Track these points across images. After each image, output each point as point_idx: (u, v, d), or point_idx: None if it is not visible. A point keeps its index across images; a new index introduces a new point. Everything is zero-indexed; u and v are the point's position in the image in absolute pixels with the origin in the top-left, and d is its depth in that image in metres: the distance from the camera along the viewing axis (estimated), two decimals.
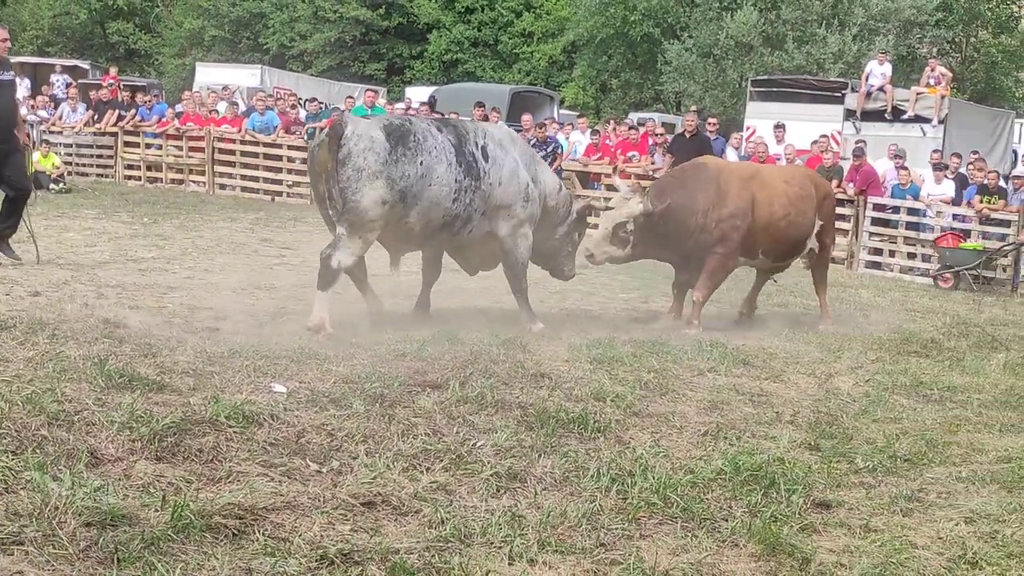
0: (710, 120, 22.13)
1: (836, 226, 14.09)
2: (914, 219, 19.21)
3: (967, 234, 18.51)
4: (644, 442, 6.59)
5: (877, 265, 19.59)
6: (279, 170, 24.06)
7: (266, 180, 24.24)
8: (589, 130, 23.64)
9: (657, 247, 11.05)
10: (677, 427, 7.10)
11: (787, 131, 21.80)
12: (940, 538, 5.35)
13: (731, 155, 20.58)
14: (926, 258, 19.02)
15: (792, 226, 11.45)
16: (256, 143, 24.19)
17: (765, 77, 28.66)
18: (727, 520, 5.29)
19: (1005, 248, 17.87)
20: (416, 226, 9.66)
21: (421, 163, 9.45)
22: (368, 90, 28.11)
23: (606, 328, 10.43)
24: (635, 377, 8.29)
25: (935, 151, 21.33)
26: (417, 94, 31.85)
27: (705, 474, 5.95)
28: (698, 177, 11.21)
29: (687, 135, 19.98)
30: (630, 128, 23.33)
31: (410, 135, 9.51)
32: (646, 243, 10.89)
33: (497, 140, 10.25)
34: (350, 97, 28.27)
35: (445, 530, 4.80)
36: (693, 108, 26.26)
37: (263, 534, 4.58)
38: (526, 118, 22.96)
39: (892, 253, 19.57)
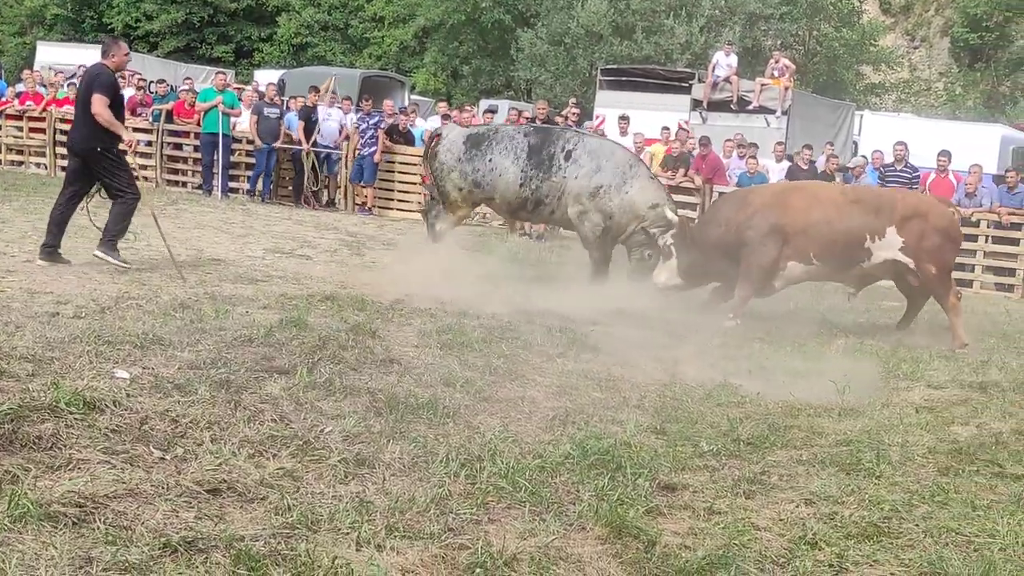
0: (573, 109, 22.43)
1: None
2: None
3: None
4: (493, 427, 6.60)
5: None
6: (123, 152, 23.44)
7: None
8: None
9: None
10: (526, 412, 7.13)
11: (633, 121, 22.04)
12: (781, 520, 5.46)
13: None
14: None
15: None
16: None
17: (614, 66, 28.94)
18: (575, 504, 5.33)
19: None
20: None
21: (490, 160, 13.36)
22: (218, 72, 27.63)
23: (456, 314, 10.42)
24: (485, 362, 8.31)
25: (779, 142, 21.75)
26: (265, 77, 31.40)
27: (553, 458, 5.98)
28: None
29: (538, 122, 20.16)
30: (488, 112, 23.39)
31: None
32: None
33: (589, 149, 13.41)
34: (188, 78, 27.74)
35: (292, 517, 4.74)
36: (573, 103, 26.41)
37: (104, 522, 4.47)
38: (388, 103, 23.02)
39: None
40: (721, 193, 19.35)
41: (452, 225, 13.70)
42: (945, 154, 19.03)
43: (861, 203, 12.02)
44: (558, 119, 21.27)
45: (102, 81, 11.44)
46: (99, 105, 11.32)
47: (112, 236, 11.55)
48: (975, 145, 22.96)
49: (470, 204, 13.69)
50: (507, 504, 5.27)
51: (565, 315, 10.74)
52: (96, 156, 11.50)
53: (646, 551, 4.85)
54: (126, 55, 11.98)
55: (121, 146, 11.86)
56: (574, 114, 22.13)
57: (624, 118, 21.98)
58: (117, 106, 11.65)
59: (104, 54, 11.84)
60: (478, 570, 4.46)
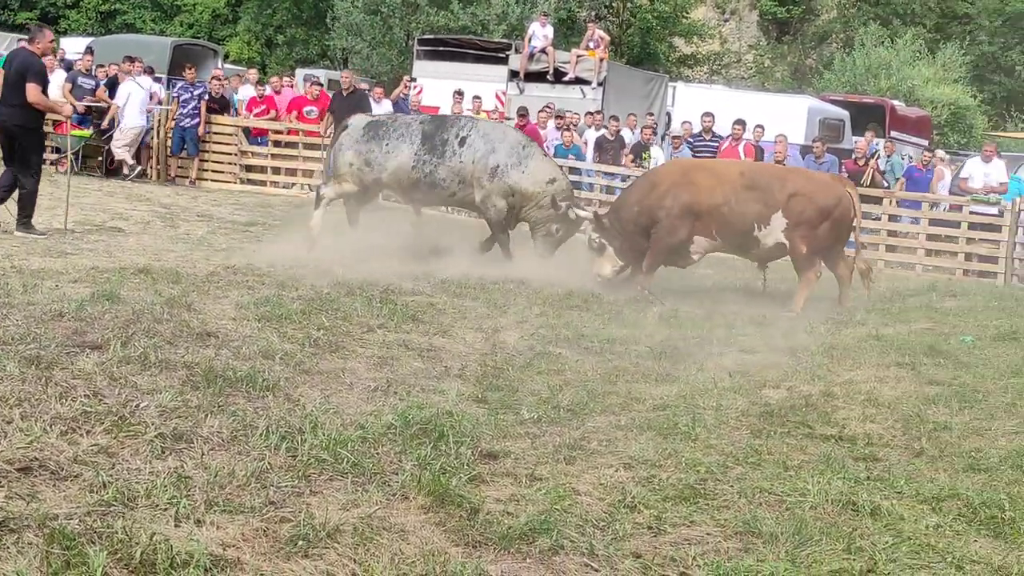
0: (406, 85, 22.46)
1: None
2: (576, 179, 19.75)
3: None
4: (314, 399, 6.55)
5: None
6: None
7: None
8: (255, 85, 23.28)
9: None
10: (347, 383, 7.09)
11: (451, 91, 22.10)
12: (601, 484, 5.54)
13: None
14: None
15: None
16: None
17: (431, 36, 28.85)
18: (397, 474, 5.32)
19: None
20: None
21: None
22: (20, 40, 26.65)
23: (274, 285, 10.29)
24: (304, 334, 8.23)
25: (591, 112, 21.99)
26: (72, 45, 30.37)
27: (375, 429, 5.96)
28: None
29: (344, 93, 20.09)
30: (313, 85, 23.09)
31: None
32: None
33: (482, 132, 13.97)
34: None
35: (107, 494, 4.62)
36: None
37: None
38: (218, 72, 22.63)
39: None
40: None
41: (335, 194, 14.23)
42: (740, 123, 19.55)
43: (757, 190, 12.50)
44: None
45: (35, 70, 12.74)
46: (35, 94, 12.65)
47: (27, 215, 12.82)
48: (784, 116, 23.59)
49: (357, 181, 14.12)
50: (329, 476, 5.24)
51: (387, 286, 10.70)
52: (25, 132, 12.91)
53: (469, 519, 4.87)
54: (51, 41, 13.62)
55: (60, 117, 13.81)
56: (408, 87, 22.06)
57: (459, 92, 22.00)
58: (44, 88, 13.07)
59: (31, 41, 13.16)
60: (300, 542, 4.43)
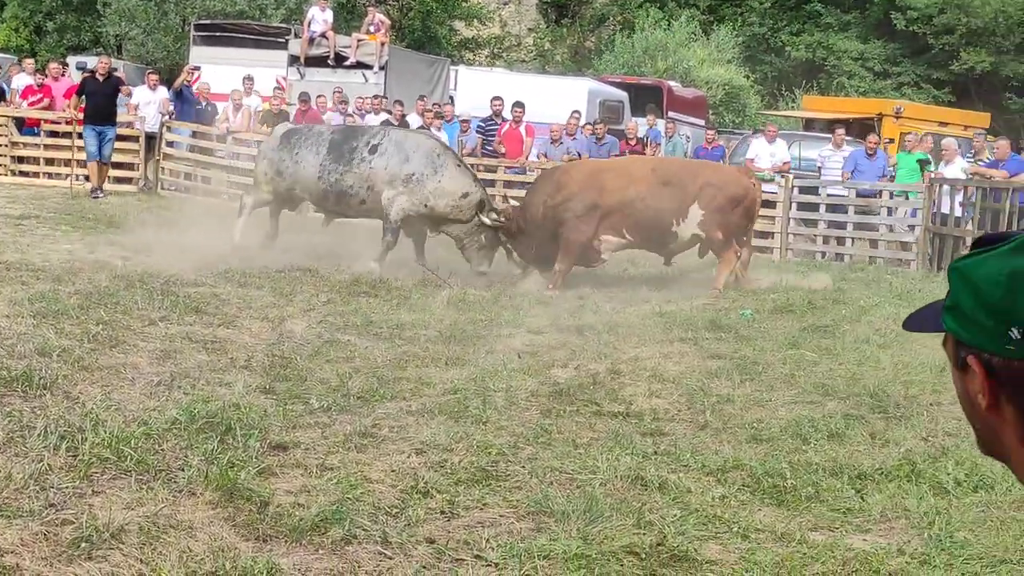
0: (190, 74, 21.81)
1: None
2: None
3: None
4: (95, 396, 6.36)
5: None
6: None
7: None
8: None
9: None
10: (129, 379, 6.91)
11: (230, 77, 21.71)
12: (394, 471, 5.53)
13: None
14: None
15: None
16: None
17: (208, 21, 28.27)
18: (183, 469, 5.20)
19: None
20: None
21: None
22: None
23: (49, 280, 9.95)
24: (83, 330, 7.98)
25: (374, 96, 21.90)
26: None
27: (159, 425, 5.82)
28: None
29: (100, 77, 19.51)
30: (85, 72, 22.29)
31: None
32: None
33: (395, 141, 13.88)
34: None
35: None
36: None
37: None
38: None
39: None
40: None
41: (254, 202, 14.50)
42: (520, 105, 19.84)
43: (670, 185, 12.79)
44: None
45: None
46: None
47: None
48: (564, 98, 23.86)
49: (272, 189, 14.33)
50: (112, 475, 5.09)
51: (168, 277, 10.46)
52: None
53: (259, 512, 4.80)
54: None
55: None
56: (190, 74, 21.55)
57: (249, 78, 21.61)
58: None
59: None
60: (83, 544, 4.30)
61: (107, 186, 19.34)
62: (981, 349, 1.56)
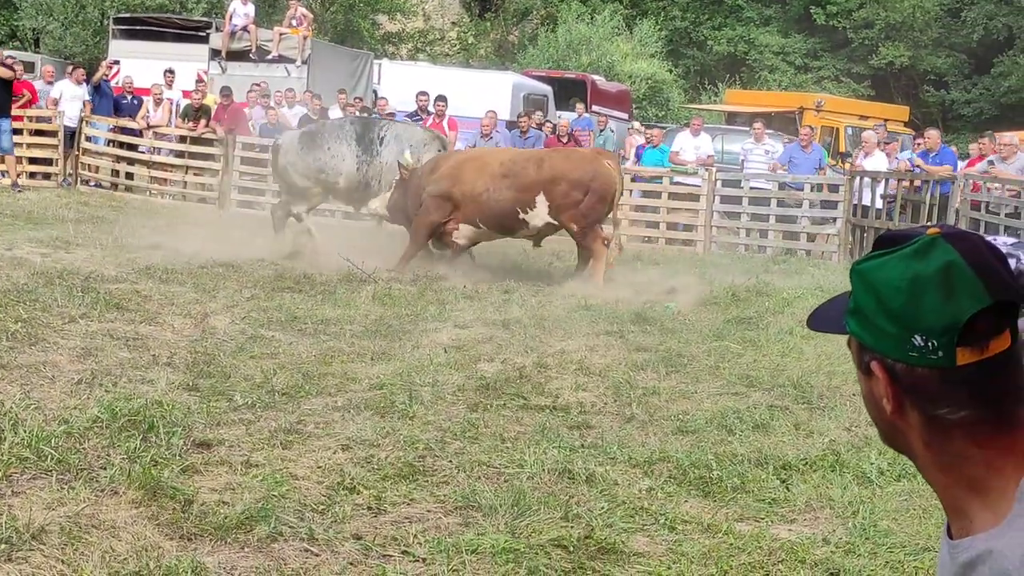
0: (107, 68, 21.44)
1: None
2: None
3: None
4: (13, 395, 6.25)
5: (250, 204, 19.74)
6: None
7: None
8: None
9: None
10: (49, 377, 6.80)
11: (151, 72, 21.47)
12: (320, 467, 5.49)
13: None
14: None
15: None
16: None
17: (128, 15, 27.93)
18: (105, 468, 5.14)
19: None
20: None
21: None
22: None
23: None
24: (1, 328, 7.84)
25: (290, 89, 21.78)
26: None
27: (81, 423, 5.74)
28: None
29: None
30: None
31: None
32: None
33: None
34: None
35: None
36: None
37: None
38: None
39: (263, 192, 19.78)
40: (244, 144, 19.27)
41: (307, 208, 14.96)
42: (442, 99, 19.78)
43: (511, 177, 12.86)
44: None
45: None
46: None
47: None
48: (489, 92, 23.87)
49: (320, 190, 14.77)
50: (32, 475, 5.01)
51: (89, 273, 10.32)
52: None
53: (183, 511, 4.74)
54: None
55: None
56: (109, 68, 21.26)
57: (170, 71, 21.37)
58: None
59: None
60: (3, 546, 4.23)
61: (23, 181, 19.04)
62: (885, 355, 1.54)
